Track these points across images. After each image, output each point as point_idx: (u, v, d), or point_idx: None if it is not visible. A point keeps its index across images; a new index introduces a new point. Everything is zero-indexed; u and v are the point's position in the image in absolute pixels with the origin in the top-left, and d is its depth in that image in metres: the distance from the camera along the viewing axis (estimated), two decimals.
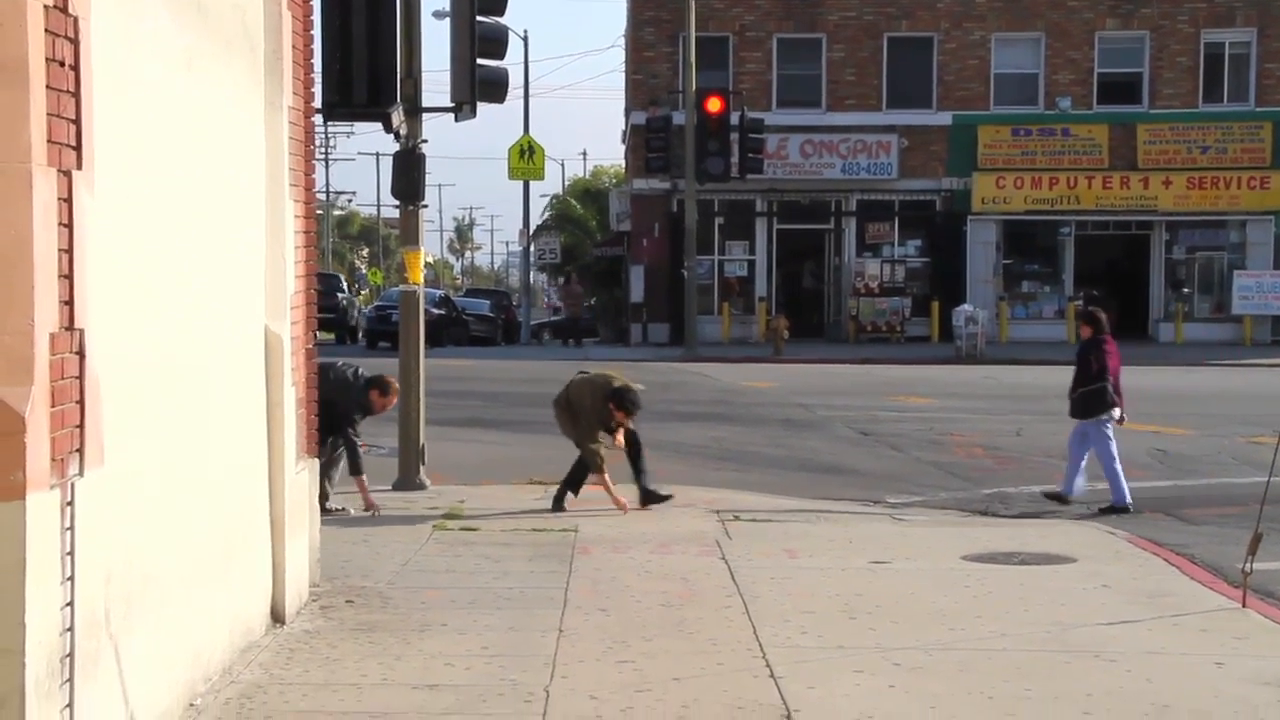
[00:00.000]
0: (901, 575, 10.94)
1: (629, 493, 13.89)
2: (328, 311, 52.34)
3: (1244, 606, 9.82)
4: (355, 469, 13.44)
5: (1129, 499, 14.18)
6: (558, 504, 13.88)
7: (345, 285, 62.62)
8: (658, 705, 7.47)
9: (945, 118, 44.54)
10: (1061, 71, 44.69)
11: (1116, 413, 14.48)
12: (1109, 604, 9.99)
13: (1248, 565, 9.85)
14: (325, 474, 13.54)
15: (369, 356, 39.09)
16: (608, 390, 13.74)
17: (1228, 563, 11.22)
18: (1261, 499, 10.02)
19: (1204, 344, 41.67)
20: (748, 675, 8.08)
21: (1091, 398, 14.45)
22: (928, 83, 44.78)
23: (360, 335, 49.22)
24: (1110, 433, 14.41)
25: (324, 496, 13.51)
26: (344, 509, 13.48)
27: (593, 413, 13.73)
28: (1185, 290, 45.41)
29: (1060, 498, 14.50)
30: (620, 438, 13.91)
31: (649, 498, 13.94)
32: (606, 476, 13.66)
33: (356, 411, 13.51)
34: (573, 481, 13.98)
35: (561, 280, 53.65)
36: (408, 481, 15.33)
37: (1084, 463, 14.50)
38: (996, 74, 44.82)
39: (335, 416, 13.30)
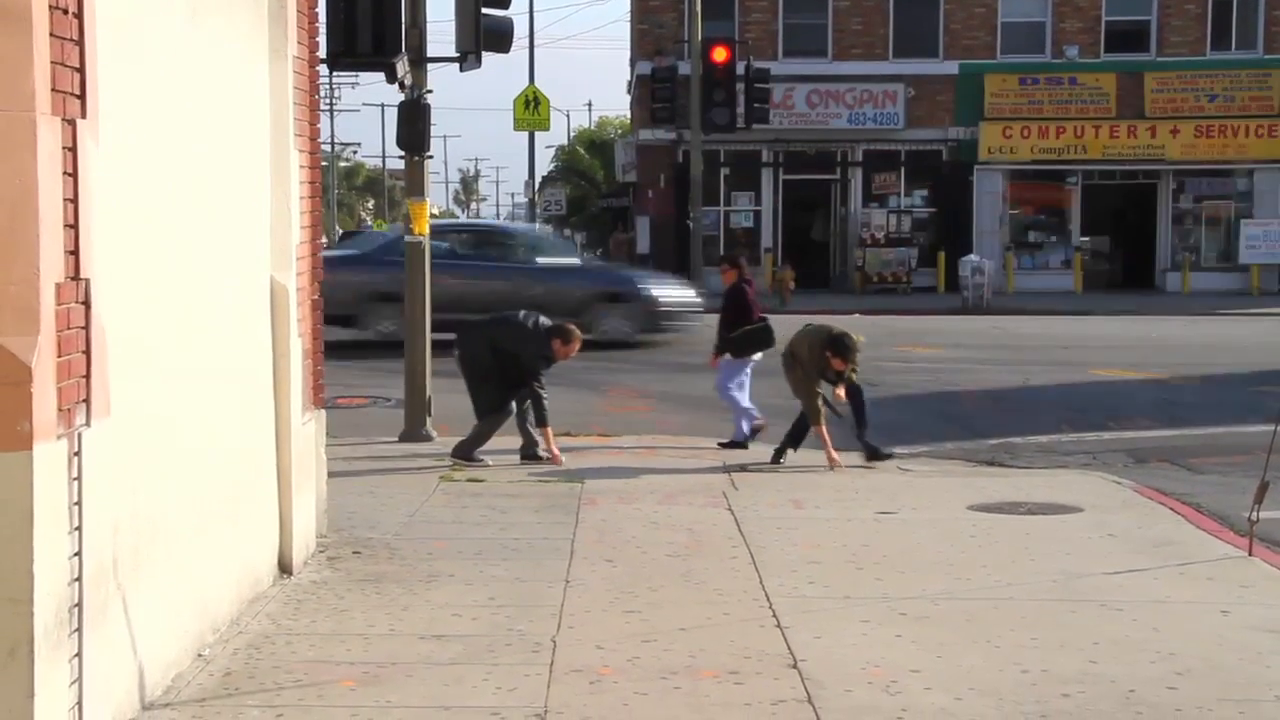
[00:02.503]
0: (908, 525, 10.96)
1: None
2: None
3: (1250, 555, 9.84)
4: (541, 420, 13.50)
5: (748, 435, 14.66)
6: (777, 457, 13.75)
7: None
8: (664, 655, 7.49)
9: (952, 67, 44.32)
10: (1069, 20, 44.45)
11: (759, 355, 14.94)
12: (1115, 553, 10.00)
13: (1254, 514, 9.85)
14: (522, 424, 13.79)
15: None
16: (825, 338, 13.53)
17: (1234, 511, 11.23)
18: (1268, 447, 10.00)
19: (1211, 293, 41.58)
20: (754, 625, 8.10)
21: (755, 336, 14.78)
22: (934, 32, 44.54)
23: None
24: (749, 372, 14.85)
25: (531, 444, 13.74)
26: (547, 458, 13.53)
27: (811, 364, 13.56)
28: (1192, 239, 45.32)
29: (742, 444, 14.64)
30: (842, 391, 13.71)
31: (873, 454, 13.78)
32: (825, 429, 13.50)
33: (540, 362, 13.55)
34: (795, 436, 13.78)
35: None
36: (414, 433, 15.34)
37: (747, 400, 14.82)
38: (1004, 23, 44.57)
39: (520, 367, 13.50)
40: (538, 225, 45.45)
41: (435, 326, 15.61)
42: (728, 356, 14.89)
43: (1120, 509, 11.65)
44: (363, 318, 24.35)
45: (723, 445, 14.66)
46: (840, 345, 13.46)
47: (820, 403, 13.55)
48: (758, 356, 14.92)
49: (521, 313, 14.00)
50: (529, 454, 13.74)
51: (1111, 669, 7.29)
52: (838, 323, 14.63)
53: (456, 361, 14.10)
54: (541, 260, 26.48)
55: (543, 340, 13.60)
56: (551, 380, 13.87)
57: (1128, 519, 11.21)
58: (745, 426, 14.71)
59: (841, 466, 13.38)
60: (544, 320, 13.84)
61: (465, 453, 13.60)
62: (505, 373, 13.65)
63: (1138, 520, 11.17)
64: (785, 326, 14.86)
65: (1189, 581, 9.21)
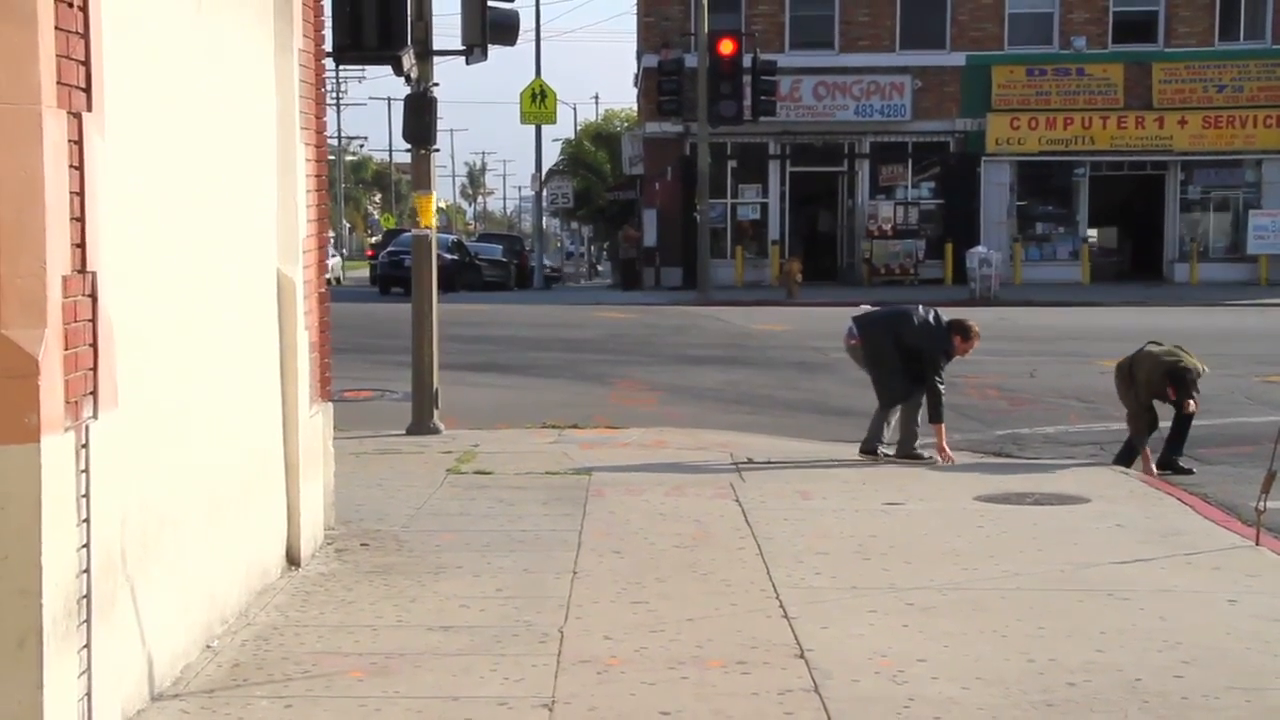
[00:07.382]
0: (915, 516, 10.96)
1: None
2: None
3: (1257, 545, 9.83)
4: (936, 416, 13.46)
5: None
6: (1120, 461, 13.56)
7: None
8: (672, 645, 7.50)
9: (959, 58, 44.30)
10: (1076, 10, 44.42)
11: None
12: (1122, 543, 10.00)
13: (1261, 503, 9.85)
14: (877, 419, 13.76)
15: (382, 302, 39.13)
16: (1168, 368, 13.28)
17: (1241, 501, 11.23)
18: (1275, 437, 9.99)
19: (1219, 284, 41.56)
20: (761, 616, 8.10)
21: None
22: (941, 23, 44.54)
23: (374, 280, 49.28)
24: None
25: (873, 439, 13.72)
26: (932, 457, 13.46)
27: (1146, 386, 13.36)
28: (1200, 230, 45.27)
29: None
30: (1191, 402, 13.39)
31: (1169, 465, 13.43)
32: (1146, 449, 13.30)
33: (941, 357, 13.55)
34: (1127, 454, 13.59)
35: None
36: (421, 426, 15.35)
37: None
38: (1011, 13, 44.57)
39: (920, 363, 13.52)
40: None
41: None
42: None
43: (1127, 499, 11.65)
44: None
45: None
46: (1180, 379, 13.24)
47: (1147, 423, 13.36)
48: None
49: (921, 307, 14.06)
50: (869, 449, 13.69)
51: (1118, 658, 7.29)
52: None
53: (862, 356, 13.95)
54: None
55: (944, 336, 13.59)
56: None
57: (1135, 509, 11.21)
58: None
59: (1156, 475, 13.03)
60: (944, 316, 13.85)
61: (909, 451, 13.55)
62: (908, 366, 13.62)
63: (1145, 510, 11.17)
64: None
65: (1196, 571, 9.20)
